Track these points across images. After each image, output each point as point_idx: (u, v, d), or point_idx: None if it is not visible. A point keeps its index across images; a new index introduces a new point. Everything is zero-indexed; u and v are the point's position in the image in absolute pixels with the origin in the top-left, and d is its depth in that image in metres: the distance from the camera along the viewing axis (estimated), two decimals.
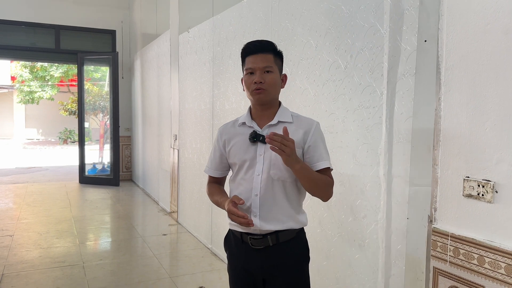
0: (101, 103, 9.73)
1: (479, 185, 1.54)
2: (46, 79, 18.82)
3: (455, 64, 1.63)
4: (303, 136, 1.67)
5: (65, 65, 17.51)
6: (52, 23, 7.94)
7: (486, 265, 1.52)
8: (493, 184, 1.50)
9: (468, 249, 1.58)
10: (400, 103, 1.92)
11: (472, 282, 1.57)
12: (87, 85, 9.73)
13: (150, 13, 7.00)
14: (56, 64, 17.75)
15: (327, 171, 1.67)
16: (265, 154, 1.66)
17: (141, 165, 7.90)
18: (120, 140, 8.35)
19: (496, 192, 1.49)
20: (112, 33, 8.44)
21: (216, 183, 1.89)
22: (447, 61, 1.66)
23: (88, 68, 9.60)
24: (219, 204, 1.77)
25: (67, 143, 20.83)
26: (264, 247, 1.68)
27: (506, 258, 1.45)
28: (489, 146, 1.50)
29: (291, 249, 1.69)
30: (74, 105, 17.12)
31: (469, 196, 1.58)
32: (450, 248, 1.65)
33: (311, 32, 2.57)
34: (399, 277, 1.96)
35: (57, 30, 8.03)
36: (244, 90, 1.74)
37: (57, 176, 9.55)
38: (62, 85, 19.71)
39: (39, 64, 18.01)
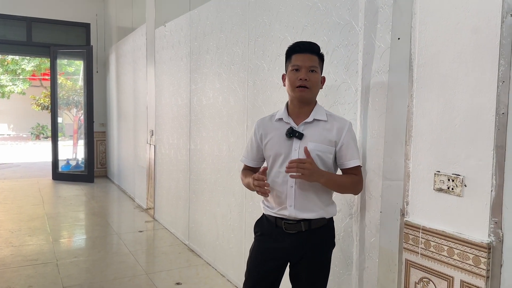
0: (75, 98, 9.53)
1: (449, 179, 1.59)
2: (18, 73, 18.28)
3: (427, 62, 1.67)
4: (337, 135, 1.82)
5: (37, 58, 17.01)
6: (23, 15, 7.71)
7: (455, 256, 1.57)
8: (462, 178, 1.55)
9: (439, 241, 1.63)
10: (374, 99, 1.96)
11: (442, 273, 1.62)
12: (60, 79, 9.51)
13: (125, 6, 6.88)
14: (28, 58, 17.24)
15: (358, 168, 1.86)
16: (300, 149, 1.80)
17: (117, 161, 7.78)
18: (94, 135, 8.20)
19: (465, 186, 1.54)
20: (86, 26, 8.27)
21: (248, 170, 2.06)
22: (419, 59, 1.70)
23: (62, 62, 9.38)
24: (248, 184, 1.93)
25: (39, 139, 20.33)
26: (296, 232, 1.85)
27: (474, 249, 1.51)
28: (458, 141, 1.56)
29: (320, 235, 1.88)
30: (47, 99, 16.71)
31: (440, 190, 1.63)
32: (421, 241, 1.70)
33: (288, 29, 2.58)
34: (372, 270, 2.01)
35: (29, 22, 7.81)
36: (284, 86, 1.89)
37: (30, 172, 9.31)
38: (34, 79, 19.20)
39: (10, 57, 17.46)
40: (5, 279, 3.42)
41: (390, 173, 1.89)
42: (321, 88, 1.90)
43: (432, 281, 1.66)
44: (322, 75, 1.89)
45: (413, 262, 1.74)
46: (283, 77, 1.92)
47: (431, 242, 1.66)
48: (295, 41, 2.48)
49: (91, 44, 8.20)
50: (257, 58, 2.96)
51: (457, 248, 1.56)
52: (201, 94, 3.92)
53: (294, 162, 1.70)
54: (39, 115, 20.11)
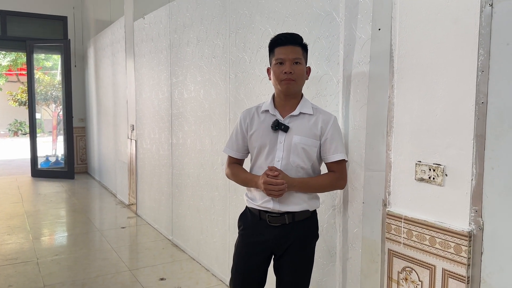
0: (54, 93, 9.32)
1: (430, 169, 1.60)
2: None
3: (407, 52, 1.68)
4: (321, 129, 1.83)
5: (13, 53, 16.56)
6: None
7: (437, 245, 1.59)
8: (443, 168, 1.56)
9: (421, 231, 1.65)
10: (356, 91, 1.96)
11: (425, 262, 1.64)
12: (37, 74, 9.29)
13: None
14: (4, 52, 16.77)
15: (342, 162, 1.86)
16: (285, 142, 1.82)
17: (97, 157, 7.66)
18: (74, 131, 8.04)
19: (446, 175, 1.55)
20: (63, 20, 8.06)
21: (237, 164, 2.02)
22: (400, 49, 1.70)
23: (39, 57, 9.16)
24: (249, 181, 1.91)
25: (17, 135, 19.87)
26: (280, 224, 1.86)
27: (455, 238, 1.52)
28: (439, 131, 1.56)
29: (304, 227, 1.89)
30: (24, 95, 16.30)
31: (421, 179, 1.64)
32: (403, 230, 1.72)
33: (269, 20, 2.56)
34: (356, 260, 2.02)
35: (3, 15, 7.57)
36: (270, 79, 1.89)
37: (8, 169, 9.09)
38: (10, 74, 18.71)
39: None
40: None
41: (372, 164, 1.90)
42: (307, 79, 1.90)
43: (414, 270, 1.68)
44: (307, 66, 1.89)
45: (395, 251, 1.76)
46: (268, 70, 1.91)
47: (413, 231, 1.68)
48: (277, 32, 2.46)
49: (69, 37, 8.01)
50: (238, 51, 2.93)
51: (439, 237, 1.58)
52: (182, 87, 3.87)
53: (270, 188, 1.76)
54: (17, 111, 19.63)
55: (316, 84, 2.20)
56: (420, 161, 1.64)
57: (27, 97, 9.03)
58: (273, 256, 1.97)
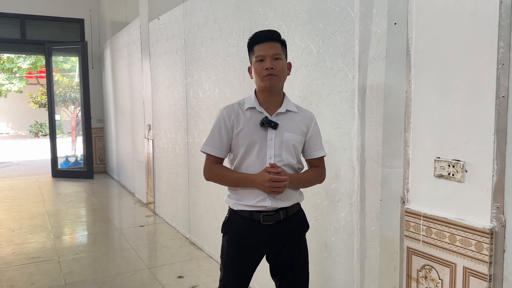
0: (72, 95, 9.47)
1: (449, 165, 1.57)
2: (14, 71, 18.18)
3: (424, 46, 1.64)
4: (307, 126, 1.87)
5: (32, 56, 16.90)
6: (16, 12, 7.63)
7: (457, 243, 1.56)
8: (463, 164, 1.52)
9: (440, 228, 1.61)
10: (372, 86, 1.93)
11: (445, 260, 1.61)
12: (56, 76, 9.45)
13: (119, 0, 6.81)
14: (23, 55, 17.13)
15: (322, 158, 1.94)
16: (276, 139, 1.80)
17: (115, 156, 7.76)
18: (92, 131, 8.17)
19: (466, 171, 1.52)
20: (80, 22, 8.19)
21: (219, 164, 1.90)
22: (417, 44, 1.67)
23: (57, 59, 9.32)
24: (243, 180, 1.81)
25: (38, 137, 20.30)
26: (274, 222, 1.83)
27: (476, 236, 1.49)
28: (458, 126, 1.53)
29: (297, 220, 1.92)
30: (44, 97, 16.63)
31: (440, 176, 1.61)
32: (422, 228, 1.69)
33: (283, 17, 2.54)
34: (374, 258, 2.00)
35: (22, 19, 7.73)
36: (252, 78, 1.85)
37: (29, 170, 9.29)
38: (30, 77, 19.10)
39: (5, 55, 17.35)
40: (8, 277, 3.41)
41: (389, 161, 1.87)
42: (289, 74, 1.88)
43: (434, 268, 1.65)
44: (288, 61, 1.87)
45: (414, 249, 1.73)
46: (249, 69, 1.88)
47: (432, 229, 1.65)
48: (291, 30, 2.46)
49: (86, 39, 8.13)
50: None
51: (459, 234, 1.55)
52: (197, 86, 3.88)
53: (274, 184, 1.73)
54: (37, 113, 20.06)
55: (331, 81, 2.18)
56: (439, 157, 1.61)
57: (46, 99, 9.20)
58: (265, 258, 1.93)
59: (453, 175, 1.56)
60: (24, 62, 17.71)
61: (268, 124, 1.78)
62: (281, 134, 1.80)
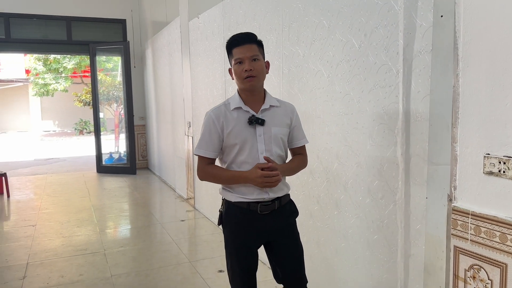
0: (115, 93, 9.79)
1: (500, 162, 1.51)
2: (60, 71, 18.99)
3: (473, 39, 1.58)
4: (290, 118, 2.00)
5: (77, 56, 17.60)
6: (63, 14, 7.97)
7: (508, 243, 1.50)
8: None
9: (490, 227, 1.56)
10: (417, 81, 1.89)
11: (494, 260, 1.55)
12: (100, 76, 9.80)
13: (159, 0, 6.96)
14: (69, 56, 17.87)
15: (304, 146, 2.09)
16: (265, 135, 1.91)
17: (157, 153, 7.96)
18: (135, 129, 8.42)
19: None
20: (122, 22, 8.44)
21: (212, 164, 2.01)
22: (465, 36, 1.61)
23: (100, 59, 9.64)
24: (237, 178, 1.92)
25: (83, 134, 21.11)
26: (270, 212, 1.95)
27: None
28: (510, 121, 1.47)
29: (288, 208, 2.04)
30: (88, 96, 17.27)
31: (490, 173, 1.55)
32: (471, 227, 1.63)
33: (324, 12, 2.52)
34: (419, 257, 1.95)
35: (68, 21, 8.06)
36: (233, 79, 1.95)
37: (75, 166, 9.70)
38: (75, 76, 19.87)
39: (52, 56, 18.16)
40: (58, 268, 3.59)
41: (436, 158, 1.82)
42: (267, 72, 1.97)
43: (483, 268, 1.60)
44: (265, 60, 1.97)
45: (462, 249, 1.68)
46: (230, 71, 1.97)
47: (481, 228, 1.59)
48: (332, 25, 2.43)
49: (128, 39, 8.37)
50: (291, 45, 2.91)
51: (510, 233, 1.49)
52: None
53: (267, 180, 1.84)
54: (82, 111, 20.86)
55: (374, 76, 2.14)
56: (488, 154, 1.55)
57: (91, 97, 9.55)
58: (263, 247, 2.06)
59: (504, 172, 1.50)
60: (70, 62, 18.46)
61: (255, 121, 1.89)
62: (269, 129, 1.91)
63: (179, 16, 5.68)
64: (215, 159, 2.01)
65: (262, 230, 1.97)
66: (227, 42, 1.94)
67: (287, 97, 3.00)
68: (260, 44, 1.94)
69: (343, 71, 2.38)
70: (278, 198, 1.97)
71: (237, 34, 1.95)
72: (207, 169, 1.99)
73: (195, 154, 2.00)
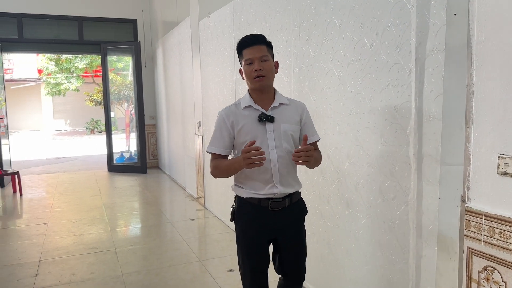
0: (126, 93, 9.86)
1: None
2: (71, 71, 19.18)
3: (487, 37, 1.56)
4: (300, 115, 2.05)
5: (88, 56, 17.77)
6: (74, 14, 8.04)
7: None
8: None
9: (504, 228, 1.54)
10: (430, 80, 1.87)
11: (509, 262, 1.53)
12: (110, 75, 9.87)
13: (170, 0, 6.99)
14: (80, 56, 18.04)
15: (316, 142, 2.12)
16: (275, 132, 1.97)
17: (167, 152, 8.00)
18: (145, 128, 8.46)
19: None
20: (133, 22, 8.50)
21: (222, 159, 2.06)
22: (479, 35, 1.59)
23: (111, 58, 9.71)
24: (231, 165, 1.96)
25: (94, 133, 21.30)
26: (281, 209, 2.00)
27: None
28: None
29: (298, 207, 2.10)
30: (99, 95, 17.41)
31: (505, 173, 1.53)
32: (484, 228, 1.61)
33: (335, 11, 2.51)
34: (431, 258, 1.93)
35: (80, 21, 8.13)
36: (243, 79, 2.03)
37: (86, 165, 9.79)
38: (86, 76, 20.07)
39: (63, 56, 18.35)
40: (70, 266, 3.63)
41: (448, 158, 1.80)
42: (276, 72, 2.04)
43: (497, 270, 1.57)
44: (274, 60, 2.03)
45: (475, 250, 1.66)
46: (240, 71, 2.04)
47: (495, 229, 1.57)
48: (343, 24, 2.42)
49: (139, 39, 8.42)
50: (302, 44, 2.90)
51: None
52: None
53: (302, 151, 1.84)
54: (93, 111, 21.04)
55: (386, 75, 2.12)
56: (503, 154, 1.53)
57: (102, 97, 9.61)
58: (271, 241, 2.11)
59: None
60: (81, 62, 18.65)
61: (265, 118, 1.95)
62: (279, 126, 1.97)
63: (189, 16, 5.70)
64: (227, 156, 2.06)
65: (272, 226, 2.02)
66: (237, 44, 2.01)
67: (297, 96, 2.99)
68: (269, 45, 2.00)
69: (354, 70, 2.36)
70: (289, 195, 2.01)
71: (246, 35, 2.01)
72: (215, 162, 2.05)
73: (207, 152, 2.05)
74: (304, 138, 1.90)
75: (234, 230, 2.15)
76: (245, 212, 2.04)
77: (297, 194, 2.08)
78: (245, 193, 2.03)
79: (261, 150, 1.81)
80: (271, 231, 2.04)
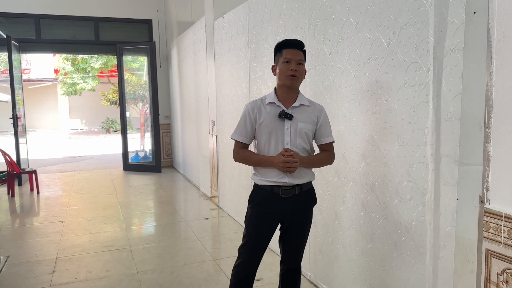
0: (141, 93, 9.95)
1: None
2: (87, 71, 19.43)
3: (507, 36, 1.53)
4: (317, 117, 2.24)
5: (104, 56, 17.97)
6: (91, 15, 8.14)
7: None
8: None
9: None
10: (448, 79, 1.84)
11: None
12: (126, 75, 9.97)
13: (184, 1, 7.03)
14: (96, 56, 18.26)
15: (331, 144, 2.30)
16: (291, 128, 2.17)
17: (181, 151, 8.05)
18: (160, 128, 8.53)
19: None
20: (148, 23, 8.57)
21: (245, 148, 2.30)
22: (499, 33, 1.56)
23: (126, 59, 9.80)
24: (263, 161, 2.20)
25: (109, 132, 21.54)
26: (291, 196, 2.21)
27: None
28: None
29: (308, 195, 2.29)
30: (115, 95, 17.61)
31: None
32: (504, 229, 1.58)
33: (351, 10, 2.49)
34: (448, 259, 1.91)
35: (96, 22, 8.23)
36: (275, 75, 2.23)
37: (102, 164, 9.91)
38: (102, 76, 20.30)
39: (80, 56, 18.59)
40: (86, 263, 3.67)
41: (467, 158, 1.77)
42: (304, 78, 2.24)
43: None
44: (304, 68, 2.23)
45: (494, 252, 1.63)
46: (273, 68, 2.25)
47: None
48: (359, 22, 2.41)
49: (154, 39, 8.48)
50: (317, 43, 2.89)
51: None
52: (261, 83, 3.91)
53: (287, 165, 2.10)
54: (108, 110, 21.28)
55: (403, 74, 2.10)
56: None
57: (117, 97, 9.71)
58: (279, 226, 2.32)
59: None
60: (97, 62, 18.87)
61: (284, 115, 2.16)
62: (296, 124, 2.17)
63: (204, 16, 5.72)
64: (248, 144, 2.29)
65: (282, 209, 2.22)
66: (279, 42, 2.22)
67: (312, 95, 2.98)
68: (305, 53, 2.21)
69: (370, 69, 2.34)
70: (299, 185, 2.21)
71: (290, 38, 2.27)
72: (240, 152, 2.29)
73: (231, 138, 2.29)
74: (285, 150, 2.13)
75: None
76: (258, 196, 2.26)
77: (308, 184, 2.27)
78: (260, 181, 2.24)
79: (298, 160, 2.11)
80: (279, 214, 2.24)
